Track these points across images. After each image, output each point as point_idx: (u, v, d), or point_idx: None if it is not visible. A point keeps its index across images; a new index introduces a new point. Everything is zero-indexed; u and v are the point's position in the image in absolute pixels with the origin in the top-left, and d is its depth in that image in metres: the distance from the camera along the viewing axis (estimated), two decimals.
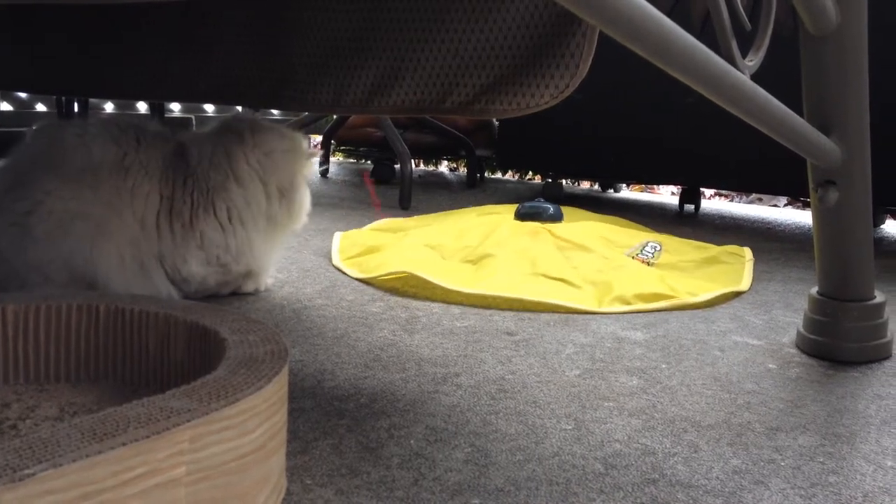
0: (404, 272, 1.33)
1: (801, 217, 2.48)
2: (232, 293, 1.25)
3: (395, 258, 1.43)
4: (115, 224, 1.09)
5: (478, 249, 1.46)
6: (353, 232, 1.70)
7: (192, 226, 1.16)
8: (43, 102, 3.19)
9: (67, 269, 1.05)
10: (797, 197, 2.67)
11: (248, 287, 1.26)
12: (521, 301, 1.25)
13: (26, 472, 0.37)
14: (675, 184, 2.75)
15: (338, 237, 1.65)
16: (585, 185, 3.14)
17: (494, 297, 1.26)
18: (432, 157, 3.52)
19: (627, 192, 3.07)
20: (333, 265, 1.48)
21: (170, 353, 0.63)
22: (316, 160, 1.29)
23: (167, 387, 0.57)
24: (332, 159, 3.34)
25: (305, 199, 1.27)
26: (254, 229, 1.21)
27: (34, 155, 1.10)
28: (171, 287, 1.17)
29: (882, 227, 2.34)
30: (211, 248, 1.18)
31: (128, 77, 1.20)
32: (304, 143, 1.28)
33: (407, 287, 1.33)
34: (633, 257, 1.48)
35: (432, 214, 1.83)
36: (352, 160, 3.67)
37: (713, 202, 2.93)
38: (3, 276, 1.04)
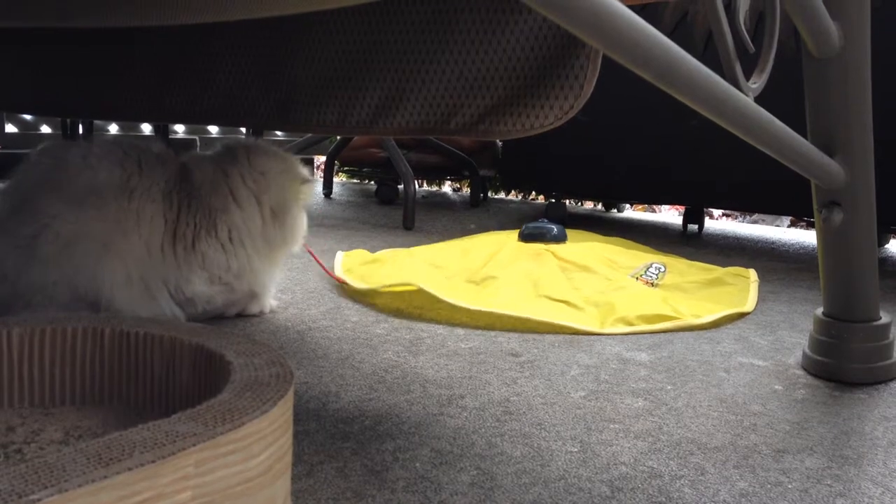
0: (410, 284, 1.33)
1: (805, 237, 2.48)
2: (238, 315, 1.25)
3: (400, 274, 1.44)
4: (120, 246, 1.09)
5: (481, 271, 1.47)
6: (357, 251, 1.71)
7: (195, 247, 1.17)
8: (48, 124, 3.21)
9: (71, 291, 1.05)
10: (801, 217, 2.67)
11: (253, 309, 1.26)
12: (524, 320, 1.25)
13: (32, 497, 0.37)
14: (678, 204, 2.76)
15: (340, 255, 1.66)
16: (589, 205, 3.14)
17: (499, 315, 1.26)
18: (436, 177, 3.53)
19: (631, 212, 3.07)
20: (335, 276, 1.48)
21: (175, 377, 0.63)
22: (311, 184, 1.28)
23: (172, 410, 0.57)
24: (335, 180, 3.35)
25: (300, 222, 1.27)
26: (253, 250, 1.22)
27: (38, 177, 1.10)
28: (177, 308, 1.17)
29: (886, 247, 2.33)
30: (213, 269, 1.19)
31: (129, 99, 1.21)
32: (300, 167, 1.28)
33: (411, 308, 1.33)
34: (636, 278, 1.48)
35: (436, 244, 1.83)
36: (355, 181, 3.68)
37: (716, 222, 2.93)
38: (7, 298, 1.04)
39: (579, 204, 3.15)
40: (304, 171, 1.29)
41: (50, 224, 1.05)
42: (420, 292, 1.32)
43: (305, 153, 3.26)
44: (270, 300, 1.30)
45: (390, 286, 1.36)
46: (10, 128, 3.13)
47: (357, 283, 1.42)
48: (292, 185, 1.25)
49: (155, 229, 1.13)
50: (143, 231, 1.12)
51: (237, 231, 1.20)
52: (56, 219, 1.05)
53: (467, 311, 1.28)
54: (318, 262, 1.51)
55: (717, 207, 2.66)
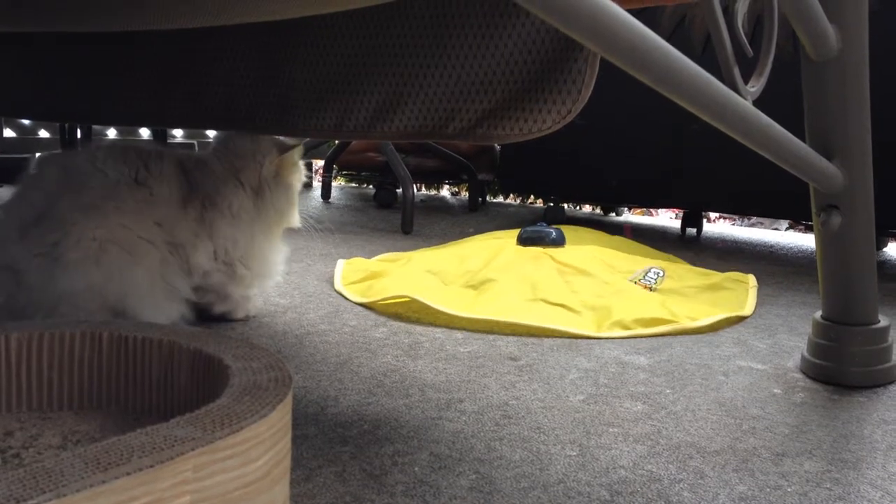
0: (406, 297, 1.33)
1: (804, 240, 2.48)
2: (222, 315, 1.26)
3: (398, 284, 1.43)
4: (141, 247, 1.10)
5: (479, 275, 1.46)
6: (357, 259, 1.70)
7: (203, 217, 1.19)
8: (46, 129, 3.21)
9: (100, 297, 1.05)
10: (799, 221, 2.67)
11: (238, 314, 1.26)
12: (522, 326, 1.25)
13: (30, 502, 0.37)
14: (677, 208, 2.76)
15: (340, 264, 1.65)
16: (587, 208, 3.14)
17: (497, 322, 1.27)
18: (434, 181, 3.53)
19: (629, 216, 3.07)
20: (336, 290, 1.48)
21: (173, 381, 0.63)
22: (293, 151, 1.28)
23: (171, 414, 0.57)
24: (334, 184, 3.35)
25: (278, 196, 1.27)
26: (252, 227, 1.23)
27: (50, 185, 1.10)
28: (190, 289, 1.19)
29: (884, 250, 2.34)
30: (220, 239, 1.20)
31: (127, 104, 1.21)
32: (276, 142, 1.28)
33: (410, 312, 1.33)
34: (635, 283, 1.48)
35: (435, 247, 1.83)
36: (354, 185, 3.68)
37: (714, 225, 2.93)
38: (27, 305, 1.03)
39: (578, 208, 3.15)
40: (281, 142, 1.28)
41: (71, 231, 1.05)
42: (417, 304, 1.32)
43: (303, 157, 3.25)
44: (256, 302, 1.30)
45: (387, 299, 1.36)
46: (8, 132, 3.13)
47: (356, 297, 1.42)
48: (266, 163, 1.25)
49: (170, 207, 1.16)
50: (158, 215, 1.14)
51: (235, 208, 1.22)
52: (77, 225, 1.05)
53: (464, 318, 1.28)
54: None
55: (716, 211, 2.66)
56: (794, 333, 1.29)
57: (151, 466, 0.41)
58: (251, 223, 1.23)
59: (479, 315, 1.28)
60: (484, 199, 3.12)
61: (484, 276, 1.45)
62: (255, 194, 1.24)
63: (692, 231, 2.48)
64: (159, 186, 1.15)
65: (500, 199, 3.43)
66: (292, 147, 1.27)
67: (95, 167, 1.11)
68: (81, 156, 1.14)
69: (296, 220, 1.31)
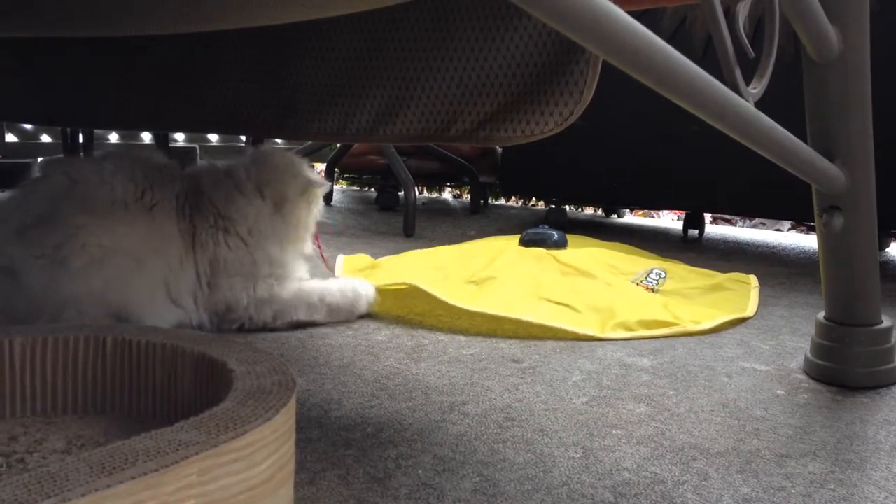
0: (407, 284, 1.34)
1: (806, 241, 2.48)
2: (296, 325, 1.24)
3: (399, 275, 1.44)
4: (148, 260, 1.10)
5: (482, 273, 1.47)
6: (358, 255, 1.72)
7: (217, 255, 1.18)
8: (48, 133, 3.21)
9: (103, 303, 1.04)
10: (801, 221, 2.67)
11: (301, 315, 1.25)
12: (524, 323, 1.25)
13: None
14: (678, 209, 2.75)
15: (341, 258, 1.67)
16: (589, 210, 3.14)
17: (498, 318, 1.26)
18: (436, 183, 3.53)
19: (631, 218, 3.07)
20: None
21: (177, 385, 0.63)
22: (319, 187, 1.28)
23: (175, 419, 0.57)
24: (335, 187, 3.35)
25: (304, 218, 1.28)
26: (268, 240, 1.23)
27: (53, 192, 1.09)
28: (205, 316, 1.18)
29: (887, 250, 2.34)
30: (235, 268, 1.19)
31: (129, 107, 1.21)
32: (308, 170, 1.29)
33: (412, 315, 1.33)
34: (637, 284, 1.48)
35: (437, 248, 1.83)
36: (355, 187, 3.69)
37: (716, 227, 2.93)
38: (29, 309, 1.02)
39: (579, 210, 3.15)
40: (313, 174, 1.29)
41: (76, 234, 1.04)
42: (417, 291, 1.32)
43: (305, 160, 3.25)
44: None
45: (387, 285, 1.37)
46: (9, 137, 3.13)
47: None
48: (295, 182, 1.25)
49: (173, 244, 1.15)
50: (164, 245, 1.13)
51: (251, 221, 1.21)
52: (82, 230, 1.05)
53: (467, 313, 1.28)
54: (324, 259, 1.51)
55: (718, 212, 2.66)
56: (797, 334, 1.29)
57: (156, 470, 0.41)
58: (265, 237, 1.22)
59: (482, 309, 1.28)
60: (486, 201, 3.12)
61: (487, 274, 1.45)
62: (277, 210, 1.24)
63: (694, 232, 2.48)
64: (160, 213, 1.14)
65: (502, 201, 3.44)
66: (318, 182, 1.29)
67: (103, 179, 1.11)
68: (88, 166, 1.13)
69: (309, 248, 1.32)
